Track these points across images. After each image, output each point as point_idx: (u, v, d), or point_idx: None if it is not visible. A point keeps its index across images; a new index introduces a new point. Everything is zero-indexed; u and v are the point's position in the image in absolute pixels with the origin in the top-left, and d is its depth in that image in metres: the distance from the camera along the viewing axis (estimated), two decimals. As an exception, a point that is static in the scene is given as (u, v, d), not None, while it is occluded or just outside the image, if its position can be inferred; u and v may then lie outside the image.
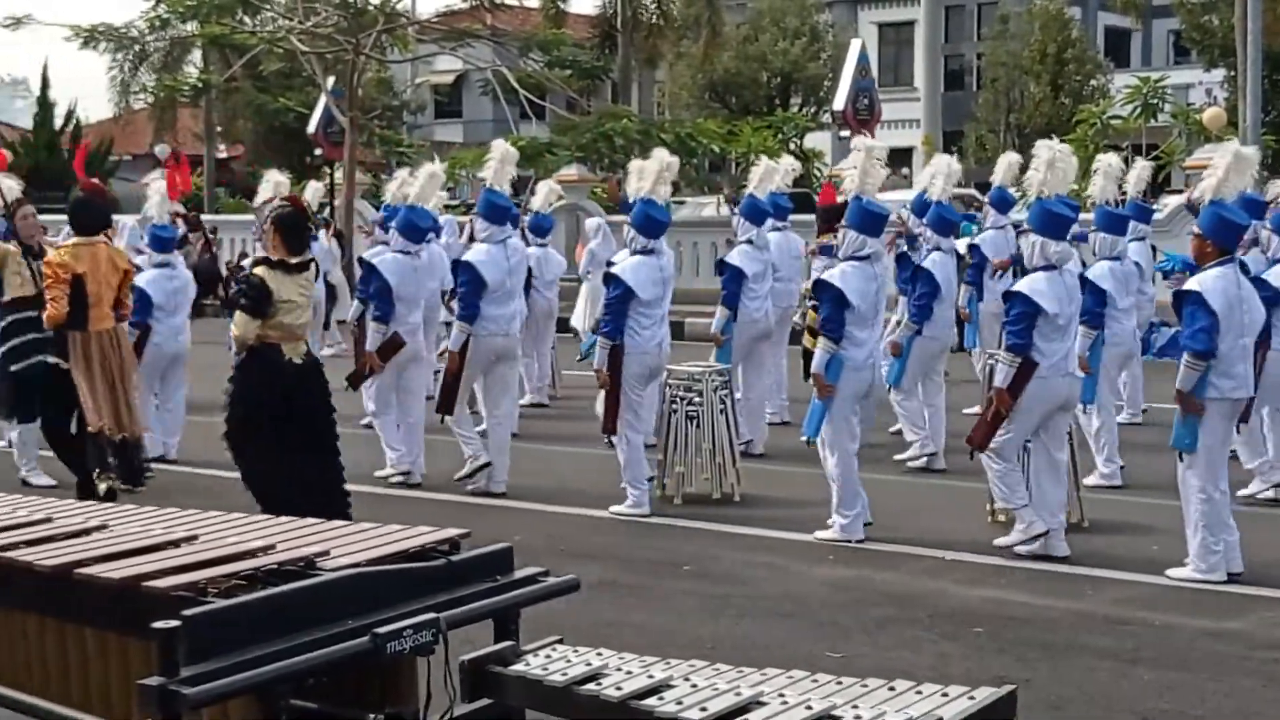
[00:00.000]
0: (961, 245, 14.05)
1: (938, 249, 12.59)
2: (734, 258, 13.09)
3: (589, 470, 12.48)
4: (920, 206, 13.32)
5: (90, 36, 29.83)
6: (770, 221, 13.62)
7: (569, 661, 3.70)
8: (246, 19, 33.07)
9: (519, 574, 4.43)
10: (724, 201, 28.79)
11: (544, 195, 16.69)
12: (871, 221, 9.87)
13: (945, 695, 3.32)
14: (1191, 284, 8.69)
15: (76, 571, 4.09)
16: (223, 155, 47.30)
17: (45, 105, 43.57)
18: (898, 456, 12.22)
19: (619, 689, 3.46)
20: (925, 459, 12.21)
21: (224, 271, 24.27)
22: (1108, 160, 12.74)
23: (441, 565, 4.27)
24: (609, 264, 12.23)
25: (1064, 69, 45.76)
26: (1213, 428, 8.57)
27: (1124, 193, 13.96)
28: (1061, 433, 9.40)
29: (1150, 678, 7.07)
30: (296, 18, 31.05)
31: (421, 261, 12.09)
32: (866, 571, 9.06)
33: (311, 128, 31.36)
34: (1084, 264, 11.43)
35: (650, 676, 3.54)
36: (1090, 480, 11.05)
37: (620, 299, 10.39)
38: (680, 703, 3.43)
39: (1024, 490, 9.24)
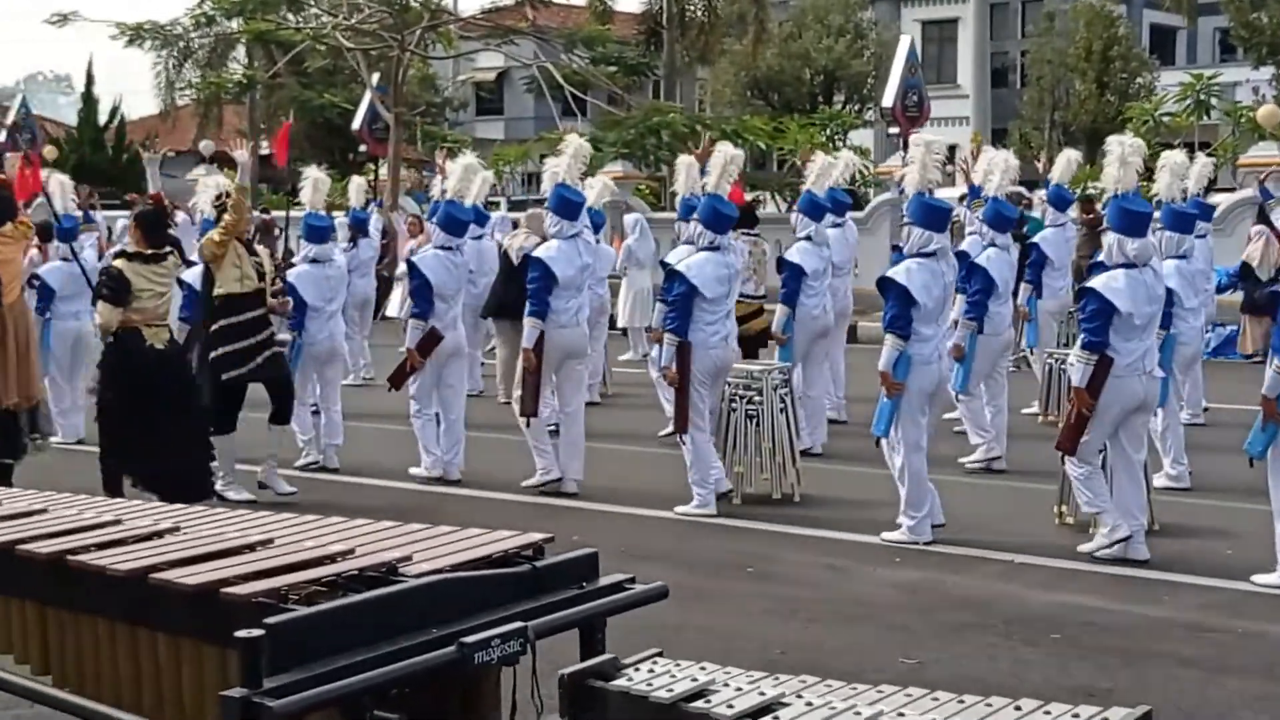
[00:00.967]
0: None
1: (993, 245, 12.34)
2: (793, 255, 12.91)
3: (643, 468, 12.35)
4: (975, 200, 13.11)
5: (135, 34, 29.82)
6: (829, 217, 13.43)
7: (673, 676, 3.51)
8: (291, 15, 33.04)
9: (604, 581, 4.25)
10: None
11: (597, 191, 16.51)
12: (936, 217, 9.67)
13: (1076, 716, 3.12)
14: None
15: (152, 576, 3.93)
16: (267, 152, 47.25)
17: (90, 102, 43.62)
18: (961, 459, 11.96)
19: (730, 707, 3.26)
20: (986, 461, 11.99)
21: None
22: (1173, 157, 12.42)
23: (527, 571, 4.10)
24: (662, 263, 12.08)
25: (1110, 66, 45.26)
26: None
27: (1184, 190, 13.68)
28: (1140, 434, 9.17)
29: (1237, 686, 6.85)
30: (341, 14, 31.01)
31: (462, 257, 11.98)
32: (936, 575, 8.85)
33: (356, 124, 31.29)
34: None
35: (761, 694, 3.34)
36: (1158, 482, 10.79)
37: (685, 296, 10.21)
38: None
39: (1107, 494, 9.01)
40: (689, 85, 45.52)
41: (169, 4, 49.19)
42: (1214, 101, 35.47)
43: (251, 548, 4.19)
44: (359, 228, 18.09)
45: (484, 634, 3.74)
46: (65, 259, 13.87)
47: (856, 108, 46.69)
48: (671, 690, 3.38)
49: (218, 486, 10.47)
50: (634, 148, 29.26)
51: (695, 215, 10.66)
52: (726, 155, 10.72)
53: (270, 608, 3.68)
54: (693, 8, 38.27)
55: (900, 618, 7.97)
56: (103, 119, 43.86)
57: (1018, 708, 3.20)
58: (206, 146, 40.26)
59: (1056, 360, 12.96)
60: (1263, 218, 18.00)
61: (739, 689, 3.38)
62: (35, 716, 5.03)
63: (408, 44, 29.48)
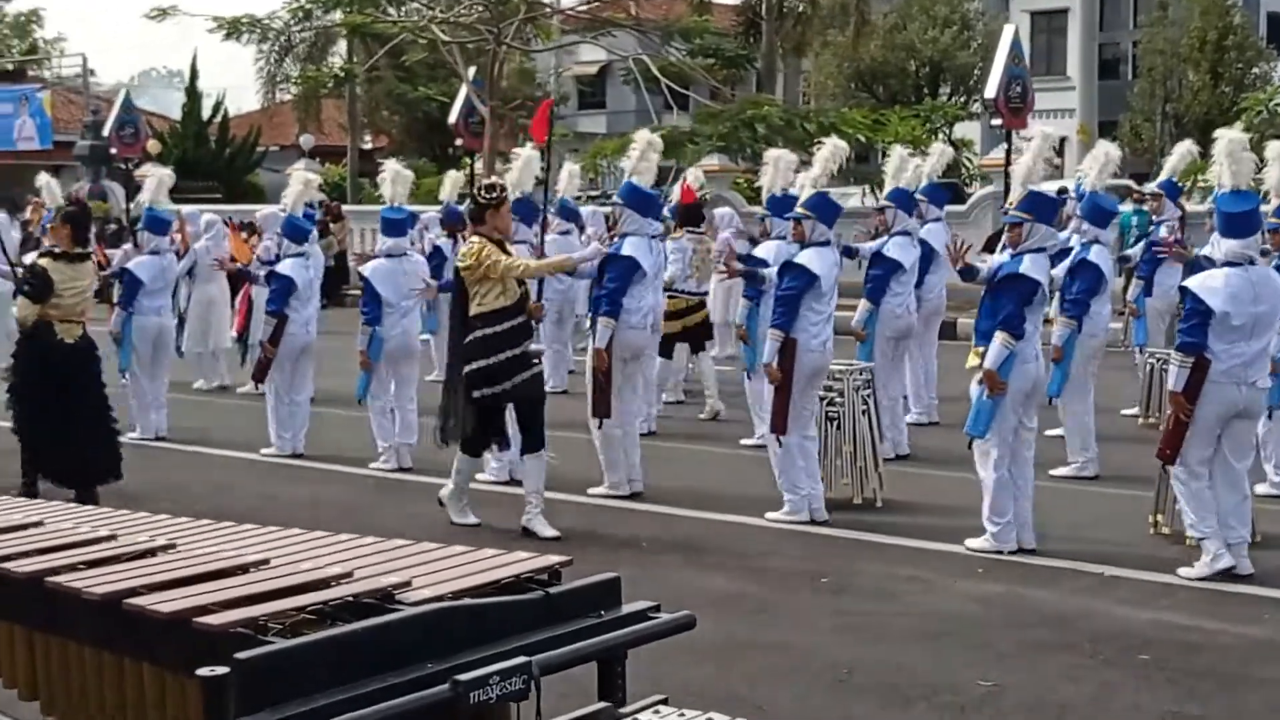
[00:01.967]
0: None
1: (1096, 241, 11.79)
2: (892, 249, 12.53)
3: (721, 471, 11.97)
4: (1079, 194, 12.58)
5: (234, 28, 29.87)
6: (932, 210, 13.19)
7: (676, 728, 3.17)
8: (391, 9, 32.98)
9: (627, 609, 3.89)
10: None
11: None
12: (1050, 210, 9.39)
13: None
14: None
15: (126, 602, 3.62)
16: (367, 146, 47.42)
17: (194, 96, 43.88)
18: (1052, 472, 11.29)
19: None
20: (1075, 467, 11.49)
21: (351, 262, 24.14)
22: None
23: (538, 599, 3.74)
24: (746, 258, 11.72)
25: (1224, 56, 44.20)
26: None
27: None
28: (1245, 441, 8.67)
29: (1341, 718, 6.38)
30: (439, 6, 30.88)
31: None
32: (1020, 588, 8.40)
33: (452, 118, 31.10)
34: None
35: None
36: (1260, 489, 10.23)
37: (800, 290, 9.83)
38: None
39: (1214, 518, 8.49)
40: (793, 78, 45.03)
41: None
42: (1333, 91, 34.34)
43: (245, 569, 3.87)
44: (453, 222, 17.90)
45: (482, 670, 3.40)
46: (155, 252, 13.75)
47: (963, 100, 45.97)
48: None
49: (524, 522, 9.64)
50: (730, 140, 28.83)
51: (801, 208, 10.30)
52: (835, 146, 10.47)
53: (247, 639, 3.36)
54: (791, -1, 37.83)
55: (980, 635, 7.54)
56: (206, 114, 44.12)
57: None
58: (306, 141, 40.47)
59: (1158, 360, 12.42)
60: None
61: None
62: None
63: (504, 37, 29.25)
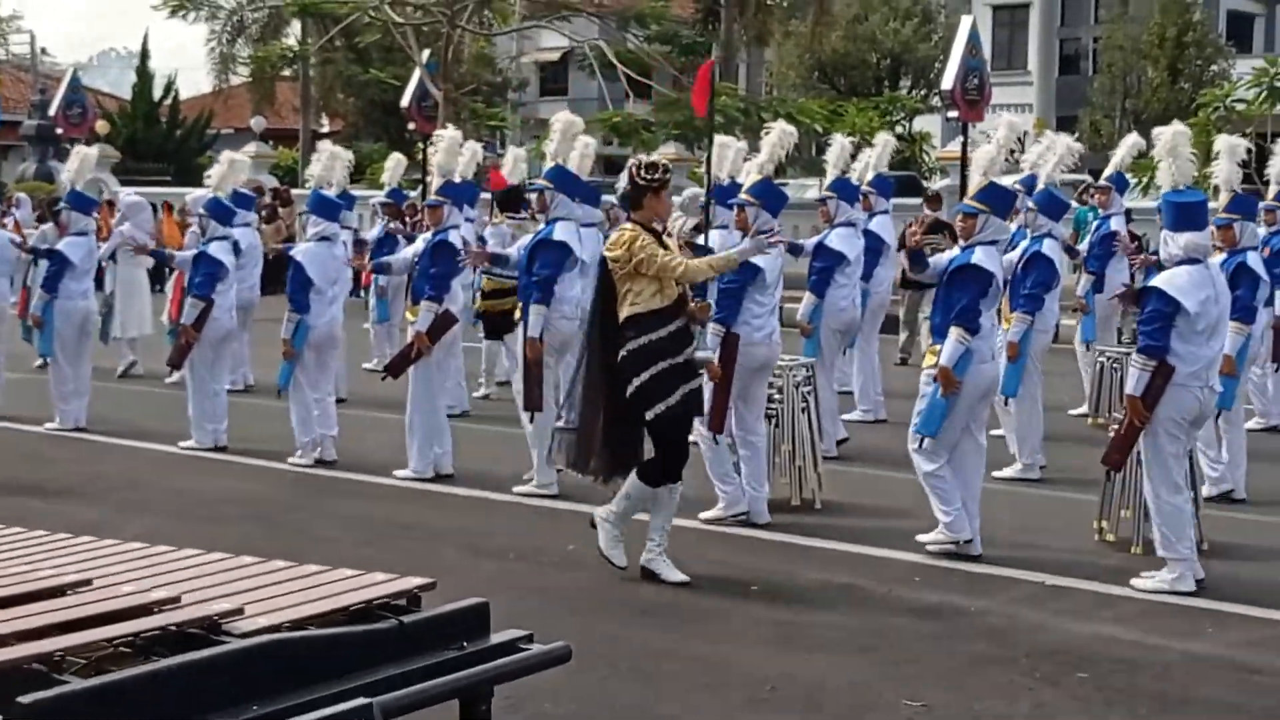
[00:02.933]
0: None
1: (1049, 234, 11.42)
2: (834, 241, 12.14)
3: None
4: (1028, 186, 12.17)
5: (179, 5, 29.31)
6: (880, 203, 12.96)
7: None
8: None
9: (496, 639, 3.48)
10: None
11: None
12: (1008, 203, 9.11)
13: None
14: None
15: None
16: (324, 130, 46.76)
17: (144, 76, 43.09)
18: (996, 473, 10.73)
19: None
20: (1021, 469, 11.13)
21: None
22: (1230, 142, 11.46)
23: (390, 629, 3.33)
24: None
25: (1184, 53, 43.98)
26: None
27: (1265, 181, 12.78)
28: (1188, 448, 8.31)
29: (1286, 744, 6.02)
30: (391, -12, 30.41)
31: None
32: (958, 598, 8.00)
33: (404, 101, 30.55)
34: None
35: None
36: (1206, 491, 9.84)
37: (743, 282, 9.29)
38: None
39: (1191, 541, 8.12)
40: (756, 68, 44.69)
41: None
42: (1288, 89, 34.05)
43: (60, 591, 3.44)
44: (396, 206, 17.47)
45: (314, 713, 2.98)
46: (82, 233, 13.26)
47: (923, 93, 45.68)
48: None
49: (645, 561, 8.23)
50: (685, 129, 28.47)
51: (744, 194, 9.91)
52: (782, 131, 10.21)
53: (38, 678, 2.94)
54: (752, -13, 37.41)
55: (913, 648, 7.15)
56: (157, 94, 43.37)
57: None
58: (258, 123, 39.82)
59: (1109, 359, 12.06)
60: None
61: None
62: None
63: (458, 20, 28.79)
